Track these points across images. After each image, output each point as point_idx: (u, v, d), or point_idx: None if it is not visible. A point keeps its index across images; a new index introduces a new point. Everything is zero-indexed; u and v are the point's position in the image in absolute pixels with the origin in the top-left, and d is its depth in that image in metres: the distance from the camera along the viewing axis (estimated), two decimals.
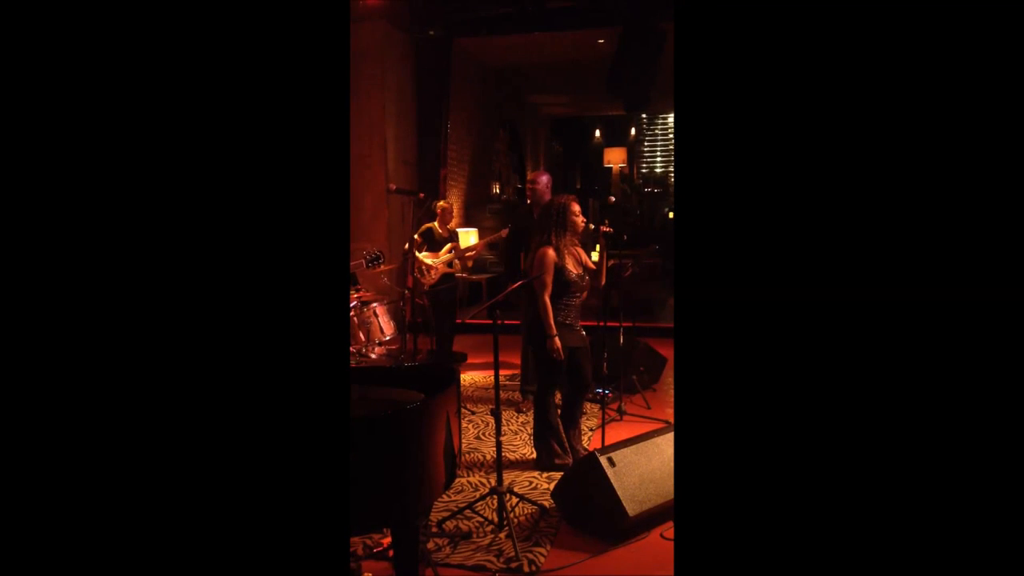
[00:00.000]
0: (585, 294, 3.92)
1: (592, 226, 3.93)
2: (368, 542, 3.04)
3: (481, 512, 3.33)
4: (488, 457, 4.19)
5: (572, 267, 3.80)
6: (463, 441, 4.39)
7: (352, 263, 4.66)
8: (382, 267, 4.54)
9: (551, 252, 3.74)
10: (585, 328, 4.05)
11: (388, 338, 5.08)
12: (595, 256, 4.15)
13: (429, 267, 5.57)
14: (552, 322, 3.71)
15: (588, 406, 5.03)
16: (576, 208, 3.82)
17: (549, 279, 3.72)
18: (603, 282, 3.98)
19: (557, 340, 3.72)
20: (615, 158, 19.41)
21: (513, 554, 2.96)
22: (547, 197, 4.97)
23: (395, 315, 5.27)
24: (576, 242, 3.88)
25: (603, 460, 3.13)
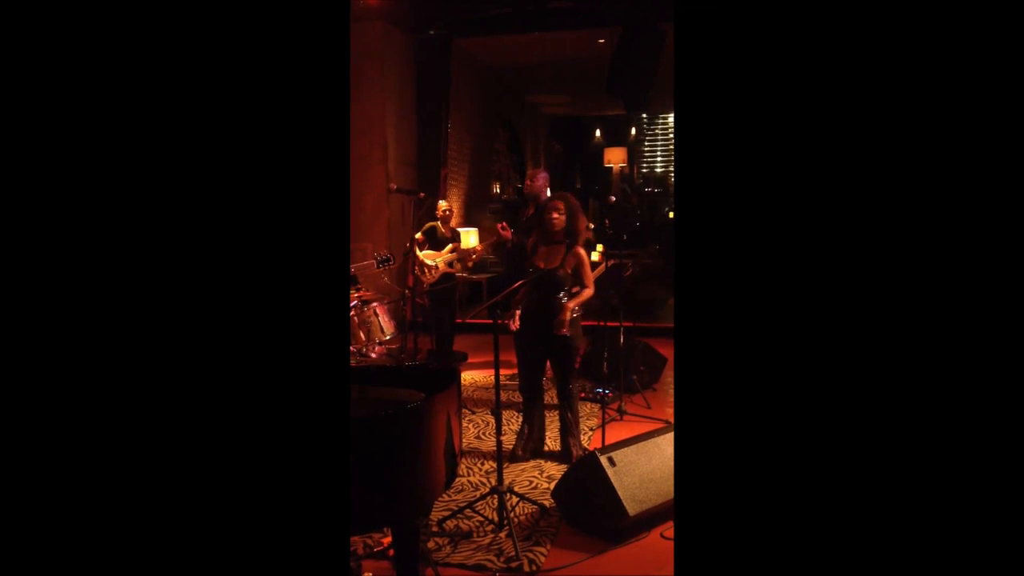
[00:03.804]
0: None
1: (592, 225, 3.97)
2: (368, 541, 3.05)
3: (481, 511, 3.34)
4: (488, 457, 4.20)
5: (541, 264, 3.93)
6: (463, 440, 4.39)
7: (363, 263, 4.67)
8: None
9: (528, 244, 4.09)
10: (585, 328, 4.10)
11: (388, 337, 5.08)
12: (595, 256, 4.17)
13: (429, 266, 5.58)
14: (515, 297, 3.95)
15: (588, 406, 5.04)
16: (553, 207, 3.90)
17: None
18: (581, 287, 3.95)
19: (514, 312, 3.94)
20: (615, 158, 19.35)
21: (513, 553, 2.96)
22: (544, 195, 5.03)
23: (395, 314, 5.28)
24: (548, 241, 3.96)
25: (603, 460, 3.13)
